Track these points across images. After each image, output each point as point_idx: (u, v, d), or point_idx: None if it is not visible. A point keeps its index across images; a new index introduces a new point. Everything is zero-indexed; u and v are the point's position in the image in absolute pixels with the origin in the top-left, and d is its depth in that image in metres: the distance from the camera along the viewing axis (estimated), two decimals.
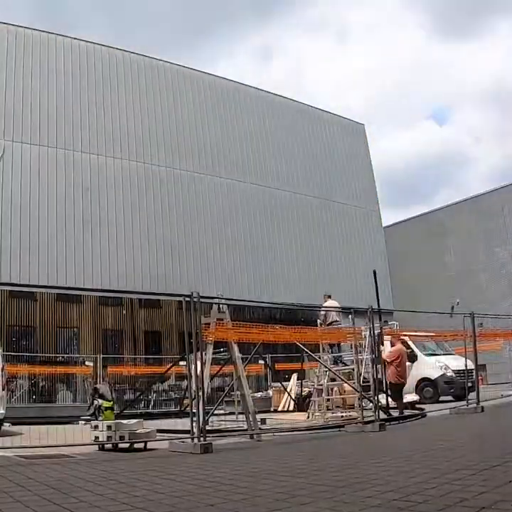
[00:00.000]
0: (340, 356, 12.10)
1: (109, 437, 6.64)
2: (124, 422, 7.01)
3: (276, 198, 24.60)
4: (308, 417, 10.88)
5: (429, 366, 14.65)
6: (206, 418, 6.72)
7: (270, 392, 16.41)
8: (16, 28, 19.98)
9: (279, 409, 14.56)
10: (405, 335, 14.13)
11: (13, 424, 10.25)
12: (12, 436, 8.68)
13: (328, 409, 10.41)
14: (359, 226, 27.00)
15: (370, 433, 7.80)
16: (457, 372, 13.83)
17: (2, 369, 9.24)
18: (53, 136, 19.58)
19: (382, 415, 8.72)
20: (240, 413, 10.58)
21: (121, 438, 6.63)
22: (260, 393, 16.73)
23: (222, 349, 9.98)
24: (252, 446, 7.10)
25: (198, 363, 6.76)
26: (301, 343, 10.38)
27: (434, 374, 14.56)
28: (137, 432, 6.83)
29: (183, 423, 8.64)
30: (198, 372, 6.80)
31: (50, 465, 5.40)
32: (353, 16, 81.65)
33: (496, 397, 12.27)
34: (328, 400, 10.56)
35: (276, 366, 18.46)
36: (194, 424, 6.43)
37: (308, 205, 25.54)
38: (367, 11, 78.28)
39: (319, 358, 10.81)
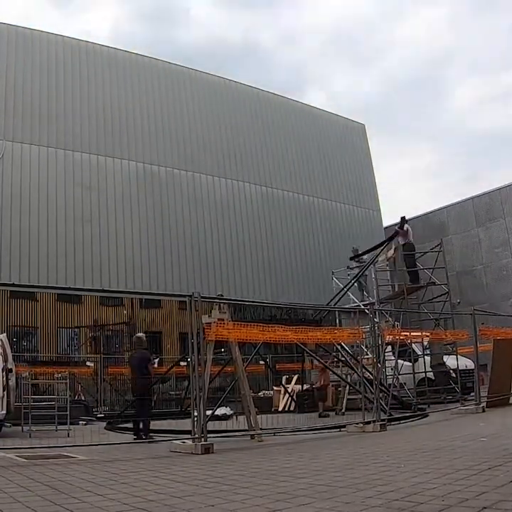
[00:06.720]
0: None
1: None
2: None
3: (276, 197, 24.59)
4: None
5: (429, 366, 14.60)
6: (207, 418, 6.71)
7: (270, 392, 16.41)
8: (16, 27, 19.97)
9: (280, 409, 14.55)
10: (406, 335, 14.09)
11: (14, 424, 10.23)
12: (12, 437, 8.68)
13: None
14: (359, 226, 26.98)
15: (370, 433, 7.80)
16: (458, 371, 13.79)
17: (2, 369, 9.23)
18: (53, 136, 19.56)
19: (383, 415, 8.71)
20: (240, 413, 10.57)
21: None
22: (261, 393, 16.73)
23: (222, 349, 9.98)
24: (253, 446, 7.10)
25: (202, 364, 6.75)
26: (301, 343, 10.34)
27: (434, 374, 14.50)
28: None
29: (184, 423, 8.65)
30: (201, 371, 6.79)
31: (51, 465, 5.40)
32: None
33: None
34: None
35: (276, 366, 18.45)
36: (195, 425, 6.43)
37: (308, 205, 25.53)
38: None
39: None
